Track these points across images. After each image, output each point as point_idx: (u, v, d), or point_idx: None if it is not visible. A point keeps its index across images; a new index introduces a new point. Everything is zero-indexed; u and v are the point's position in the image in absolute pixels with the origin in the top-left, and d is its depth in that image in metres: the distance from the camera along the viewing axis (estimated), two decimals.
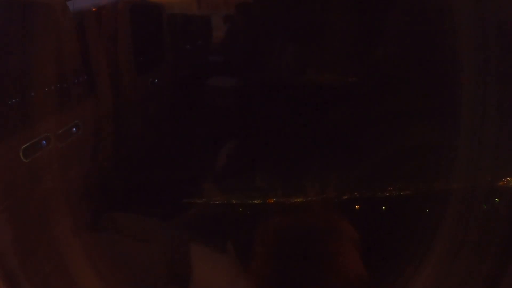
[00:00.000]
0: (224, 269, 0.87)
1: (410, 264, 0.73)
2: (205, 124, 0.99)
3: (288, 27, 0.95)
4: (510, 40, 0.67)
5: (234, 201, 0.94)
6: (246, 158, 0.98)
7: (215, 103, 1.01)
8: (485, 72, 0.67)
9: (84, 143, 0.91)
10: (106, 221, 0.88)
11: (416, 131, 0.83)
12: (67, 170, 0.86)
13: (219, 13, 1.05)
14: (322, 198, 0.89)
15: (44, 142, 0.84)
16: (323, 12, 0.92)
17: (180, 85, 1.03)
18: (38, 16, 0.82)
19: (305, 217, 0.87)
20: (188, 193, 0.94)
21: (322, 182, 0.89)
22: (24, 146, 0.80)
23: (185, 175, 0.95)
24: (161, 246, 0.89)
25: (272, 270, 0.83)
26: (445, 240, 0.71)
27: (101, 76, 0.93)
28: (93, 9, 0.92)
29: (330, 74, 0.92)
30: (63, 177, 0.84)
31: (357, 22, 0.89)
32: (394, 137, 0.85)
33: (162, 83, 1.03)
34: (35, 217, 0.78)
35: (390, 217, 0.85)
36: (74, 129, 0.90)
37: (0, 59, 0.77)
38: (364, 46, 0.89)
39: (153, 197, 0.93)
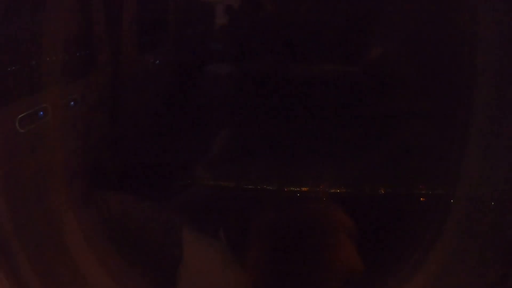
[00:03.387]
0: (216, 255, 0.87)
1: (411, 261, 0.75)
2: (202, 108, 0.99)
3: (290, 18, 0.96)
4: None
5: (227, 185, 0.94)
6: (242, 145, 0.98)
7: (214, 89, 1.01)
8: (500, 76, 0.69)
9: (82, 118, 0.89)
10: (99, 199, 0.86)
11: (422, 132, 0.84)
12: (63, 143, 0.84)
13: (223, 1, 1.05)
14: (319, 190, 0.90)
15: (41, 113, 0.82)
16: (327, 4, 0.93)
17: (180, 68, 1.02)
18: None
19: (301, 208, 0.88)
20: (183, 176, 0.94)
21: (322, 174, 0.90)
22: (21, 115, 0.78)
23: (181, 158, 0.95)
24: (153, 228, 0.88)
25: (266, 260, 0.83)
26: (448, 242, 0.72)
27: (104, 52, 0.91)
28: None
29: (331, 66, 0.93)
30: (58, 150, 0.82)
31: (362, 14, 0.90)
32: (401, 136, 0.86)
33: (163, 65, 1.02)
34: (30, 188, 0.76)
35: (393, 214, 0.86)
36: (72, 102, 0.88)
37: (5, 25, 0.75)
38: (368, 41, 0.90)
39: (148, 178, 0.92)
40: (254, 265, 0.83)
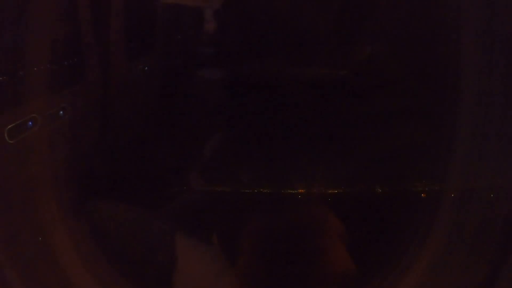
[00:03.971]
0: (209, 261, 0.87)
1: (403, 261, 0.75)
2: (193, 114, 0.99)
3: (279, 21, 0.96)
4: None
5: (220, 190, 0.93)
6: (234, 150, 0.98)
7: (204, 94, 1.01)
8: (487, 73, 0.69)
9: (72, 128, 0.89)
10: (91, 209, 0.86)
11: (412, 130, 0.85)
12: (53, 154, 0.84)
13: (211, 6, 1.05)
14: (311, 192, 0.90)
15: (30, 123, 0.82)
16: (315, 7, 0.93)
17: (170, 74, 1.02)
18: None
19: (292, 211, 0.87)
20: (175, 183, 0.93)
21: (311, 176, 0.90)
22: (10, 126, 0.77)
23: (172, 164, 0.94)
24: (145, 236, 0.88)
25: (258, 265, 0.83)
26: (440, 238, 0.73)
27: (92, 60, 0.91)
28: None
29: (322, 69, 0.93)
30: (48, 160, 0.82)
31: (352, 17, 0.90)
32: (389, 135, 0.86)
33: (153, 72, 1.02)
34: (20, 198, 0.75)
35: (383, 213, 0.86)
36: (61, 112, 0.88)
37: None
38: (358, 42, 0.91)
39: (140, 186, 0.91)
40: (247, 269, 0.83)
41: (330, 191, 0.90)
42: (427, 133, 0.83)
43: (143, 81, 1.02)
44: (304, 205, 0.90)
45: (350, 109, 0.89)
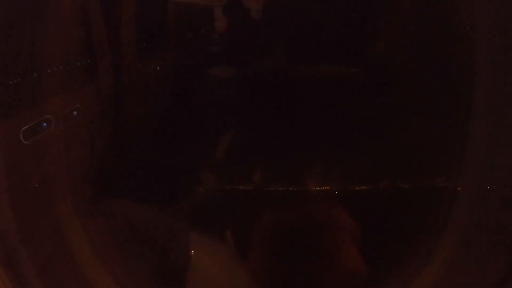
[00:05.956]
0: (222, 259, 0.87)
1: (416, 261, 0.74)
2: (205, 112, 0.99)
3: (289, 19, 0.95)
4: None
5: (232, 189, 0.94)
6: (245, 148, 0.98)
7: (216, 92, 1.01)
8: (503, 69, 0.68)
9: (85, 127, 0.90)
10: (104, 206, 0.87)
11: (427, 127, 0.84)
12: (67, 153, 0.85)
13: (222, 3, 1.05)
14: (323, 190, 0.89)
15: (45, 124, 0.83)
16: (329, 2, 0.93)
17: (182, 73, 1.02)
18: None
19: (304, 209, 0.87)
20: (188, 181, 0.94)
21: (324, 174, 0.89)
22: (24, 127, 0.78)
23: (185, 163, 0.95)
24: (160, 234, 0.88)
25: (270, 263, 0.83)
26: (454, 238, 0.72)
27: (104, 60, 0.92)
28: None
29: (331, 66, 0.93)
30: (63, 160, 0.83)
31: (367, 12, 0.90)
32: (403, 133, 0.86)
33: (165, 71, 1.02)
34: (36, 199, 0.76)
35: (398, 212, 0.85)
36: (75, 112, 0.89)
37: (5, 38, 0.76)
38: (369, 39, 0.90)
39: (152, 184, 0.92)
40: (258, 266, 0.83)
41: (342, 189, 0.90)
42: (443, 130, 0.82)
43: (155, 80, 1.03)
44: (317, 204, 0.90)
45: (364, 106, 0.88)
